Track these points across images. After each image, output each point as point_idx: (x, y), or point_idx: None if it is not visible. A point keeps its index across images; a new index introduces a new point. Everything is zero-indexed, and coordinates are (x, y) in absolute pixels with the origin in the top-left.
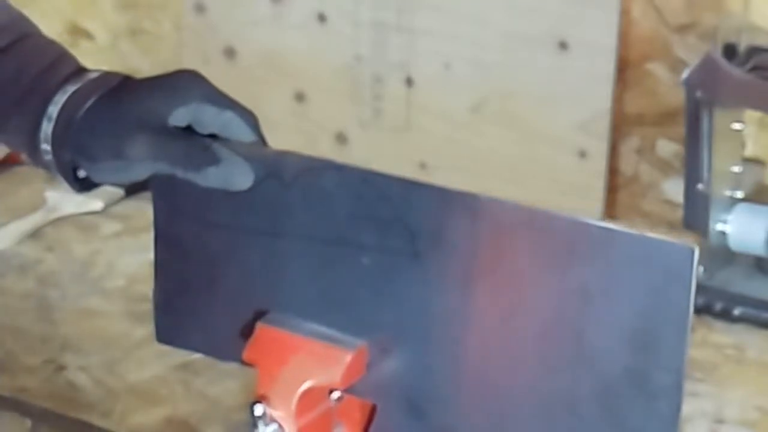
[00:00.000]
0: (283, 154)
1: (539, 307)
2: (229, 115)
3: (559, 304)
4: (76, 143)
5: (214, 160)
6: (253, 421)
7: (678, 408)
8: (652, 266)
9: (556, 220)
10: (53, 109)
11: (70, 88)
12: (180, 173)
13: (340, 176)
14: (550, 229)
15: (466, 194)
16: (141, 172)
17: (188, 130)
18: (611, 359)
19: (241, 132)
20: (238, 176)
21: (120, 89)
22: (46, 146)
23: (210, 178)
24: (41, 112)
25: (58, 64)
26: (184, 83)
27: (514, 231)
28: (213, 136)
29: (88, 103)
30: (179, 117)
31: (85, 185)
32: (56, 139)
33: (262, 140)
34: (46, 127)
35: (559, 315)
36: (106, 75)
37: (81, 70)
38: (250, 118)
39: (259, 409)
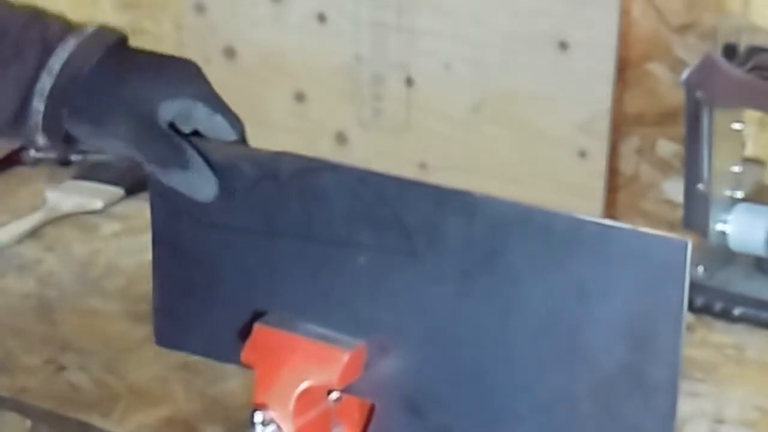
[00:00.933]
0: (279, 155)
1: (536, 304)
2: (218, 119)
3: (555, 300)
4: (73, 101)
5: (183, 164)
6: (251, 422)
7: (674, 403)
8: (646, 261)
9: (550, 217)
10: (55, 61)
11: (72, 41)
12: (147, 166)
13: (337, 176)
14: (545, 226)
15: (462, 192)
16: (116, 150)
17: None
18: (607, 355)
19: (226, 138)
20: (200, 187)
21: (120, 56)
22: (38, 104)
23: (173, 179)
24: (38, 64)
25: (41, 16)
26: (182, 76)
27: (509, 228)
28: (197, 134)
29: (93, 59)
30: (167, 108)
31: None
32: (54, 94)
33: None
34: (45, 81)
35: (555, 312)
36: (103, 30)
37: (69, 24)
38: (238, 126)
39: (258, 417)
